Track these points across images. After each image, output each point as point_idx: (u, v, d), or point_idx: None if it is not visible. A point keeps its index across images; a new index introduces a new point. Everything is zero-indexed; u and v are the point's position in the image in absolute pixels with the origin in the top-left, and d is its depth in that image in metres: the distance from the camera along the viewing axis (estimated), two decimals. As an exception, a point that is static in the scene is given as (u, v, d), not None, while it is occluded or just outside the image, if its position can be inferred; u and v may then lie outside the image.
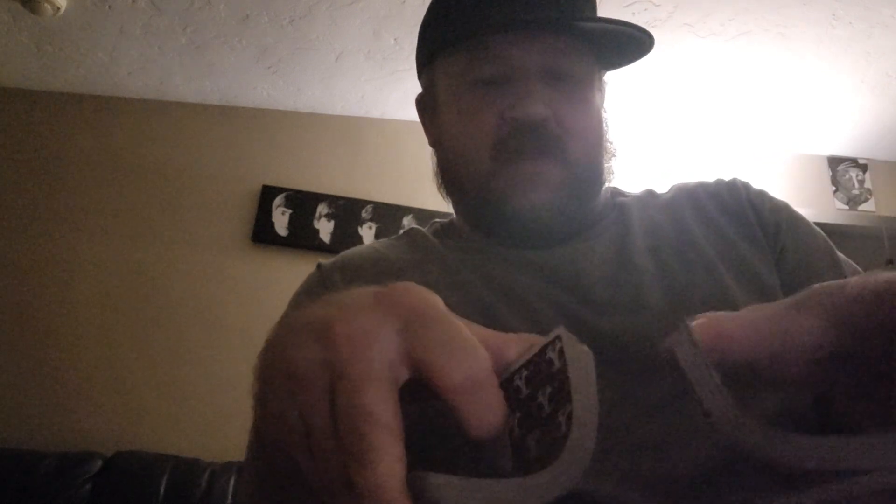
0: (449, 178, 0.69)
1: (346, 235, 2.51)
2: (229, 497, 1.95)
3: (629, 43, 0.66)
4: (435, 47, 0.68)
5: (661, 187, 0.74)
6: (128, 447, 2.10)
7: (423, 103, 0.75)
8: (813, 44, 2.15)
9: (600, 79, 0.69)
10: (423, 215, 2.51)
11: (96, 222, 2.47)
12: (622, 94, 2.37)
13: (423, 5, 2.06)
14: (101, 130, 2.58)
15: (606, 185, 0.68)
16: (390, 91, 2.52)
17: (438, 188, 0.72)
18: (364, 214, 2.57)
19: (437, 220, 0.76)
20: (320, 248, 2.48)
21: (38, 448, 2.05)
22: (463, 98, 0.65)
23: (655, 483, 0.46)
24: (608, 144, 0.68)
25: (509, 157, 0.61)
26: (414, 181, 2.60)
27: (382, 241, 0.73)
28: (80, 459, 2.01)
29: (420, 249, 0.68)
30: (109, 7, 2.07)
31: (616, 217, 0.67)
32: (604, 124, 0.67)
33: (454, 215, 0.76)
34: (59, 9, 2.04)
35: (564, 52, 0.63)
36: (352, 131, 2.71)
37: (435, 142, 0.72)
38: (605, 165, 0.67)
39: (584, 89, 0.65)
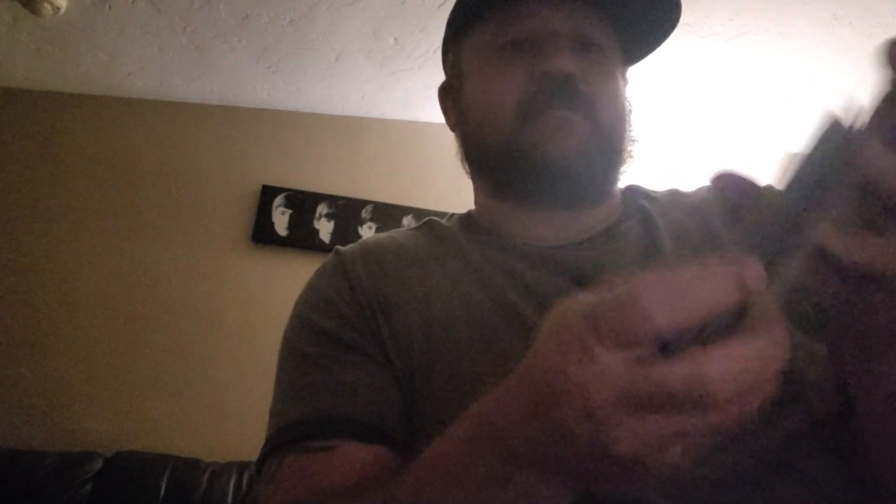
0: (472, 145, 0.69)
1: (346, 235, 2.51)
2: (229, 497, 1.95)
3: (655, 12, 0.66)
4: (464, 21, 0.69)
5: (660, 187, 0.74)
6: (128, 447, 2.10)
7: (445, 90, 0.75)
8: (813, 44, 2.15)
9: (623, 73, 0.70)
10: (423, 215, 2.50)
11: (96, 222, 2.47)
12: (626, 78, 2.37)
13: (423, 5, 2.06)
14: (101, 130, 2.58)
15: (624, 166, 0.68)
16: (390, 91, 2.52)
17: (462, 163, 0.72)
18: (364, 214, 2.57)
19: (455, 213, 0.75)
20: (320, 248, 2.48)
21: (38, 448, 2.05)
22: (491, 61, 0.65)
23: (674, 488, 0.47)
24: (630, 129, 0.68)
25: (536, 111, 0.61)
26: (414, 181, 2.60)
27: (401, 230, 0.72)
28: (80, 459, 2.01)
29: (441, 242, 0.67)
30: (109, 7, 2.06)
31: (641, 218, 0.67)
32: (627, 105, 0.68)
33: (467, 210, 0.76)
34: (59, 9, 2.04)
35: (591, 20, 0.64)
36: (352, 131, 2.71)
37: (456, 122, 0.72)
38: (628, 148, 0.67)
39: (610, 63, 0.66)
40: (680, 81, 2.39)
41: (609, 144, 0.64)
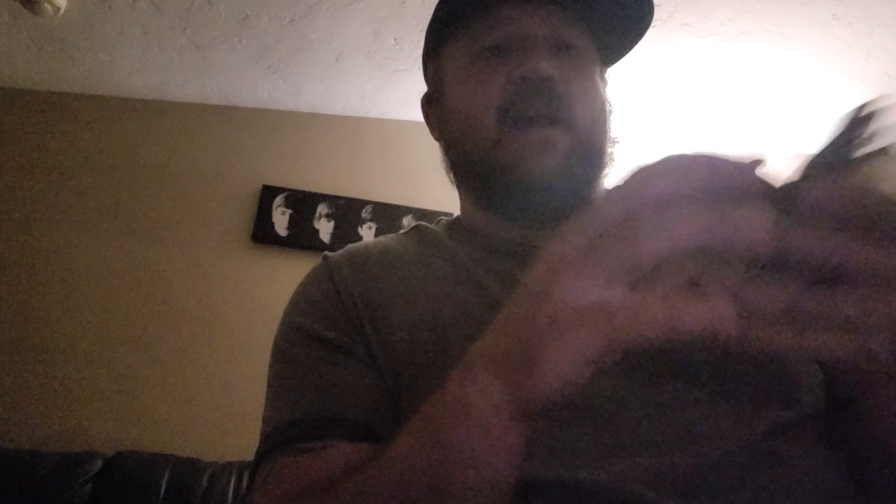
0: (455, 157, 0.69)
1: (346, 235, 2.51)
2: (229, 497, 1.95)
3: (628, 13, 0.67)
4: (442, 32, 0.69)
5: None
6: (128, 447, 2.10)
7: (428, 100, 0.75)
8: (813, 44, 2.15)
9: (602, 73, 0.70)
10: (423, 215, 2.51)
11: (96, 222, 2.47)
12: (621, 94, 2.37)
13: (423, 5, 2.06)
14: (101, 130, 2.58)
15: (605, 170, 0.68)
16: (390, 91, 2.52)
17: (447, 173, 0.72)
18: (364, 214, 2.57)
19: (443, 217, 0.76)
20: (320, 248, 2.48)
21: (38, 448, 2.05)
22: (469, 69, 0.65)
23: (660, 477, 0.47)
24: (611, 130, 0.68)
25: (516, 122, 0.61)
26: (414, 181, 2.60)
27: (389, 235, 0.72)
28: (80, 459, 2.01)
29: (428, 245, 0.67)
30: (109, 7, 2.07)
31: None
32: (607, 106, 0.68)
33: (454, 215, 0.76)
34: (59, 9, 2.04)
35: (567, 23, 0.64)
36: (352, 131, 2.71)
37: (441, 132, 0.72)
38: (609, 150, 0.67)
39: (587, 64, 0.66)
40: (680, 81, 2.39)
41: (589, 152, 0.64)
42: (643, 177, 0.32)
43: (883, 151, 0.32)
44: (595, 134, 0.64)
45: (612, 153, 0.68)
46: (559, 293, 0.32)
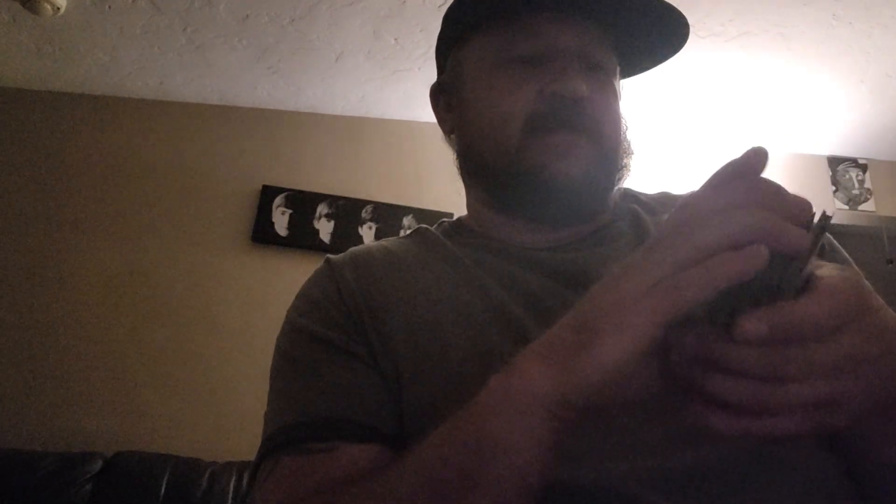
0: (472, 157, 0.68)
1: (346, 235, 2.51)
2: (229, 497, 1.95)
3: (659, 38, 0.66)
4: (467, 26, 0.68)
5: (662, 187, 0.74)
6: (128, 447, 2.10)
7: (439, 91, 0.74)
8: (813, 44, 2.15)
9: (618, 84, 0.70)
10: (423, 215, 2.51)
11: (96, 222, 2.47)
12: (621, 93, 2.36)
13: (423, 5, 2.06)
14: (101, 130, 2.58)
15: (621, 181, 0.69)
16: (391, 91, 2.52)
17: (459, 171, 0.72)
18: (364, 214, 2.57)
19: (445, 219, 0.75)
20: (320, 248, 2.48)
21: (38, 448, 2.05)
22: (497, 74, 0.65)
23: (661, 479, 0.47)
24: (626, 142, 0.68)
25: (543, 130, 0.61)
26: (414, 181, 2.60)
27: (391, 238, 0.72)
28: (80, 459, 2.01)
29: (430, 247, 0.67)
30: (109, 7, 2.07)
31: (631, 221, 0.67)
32: (624, 122, 0.69)
33: (455, 215, 0.76)
34: (59, 9, 2.04)
35: (598, 40, 0.64)
36: (352, 131, 2.71)
37: (455, 127, 0.72)
38: (624, 161, 0.68)
39: (612, 82, 0.67)
40: (679, 81, 2.39)
41: (611, 165, 0.65)
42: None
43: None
44: (617, 151, 0.65)
45: (628, 164, 0.68)
46: (626, 282, 0.36)
